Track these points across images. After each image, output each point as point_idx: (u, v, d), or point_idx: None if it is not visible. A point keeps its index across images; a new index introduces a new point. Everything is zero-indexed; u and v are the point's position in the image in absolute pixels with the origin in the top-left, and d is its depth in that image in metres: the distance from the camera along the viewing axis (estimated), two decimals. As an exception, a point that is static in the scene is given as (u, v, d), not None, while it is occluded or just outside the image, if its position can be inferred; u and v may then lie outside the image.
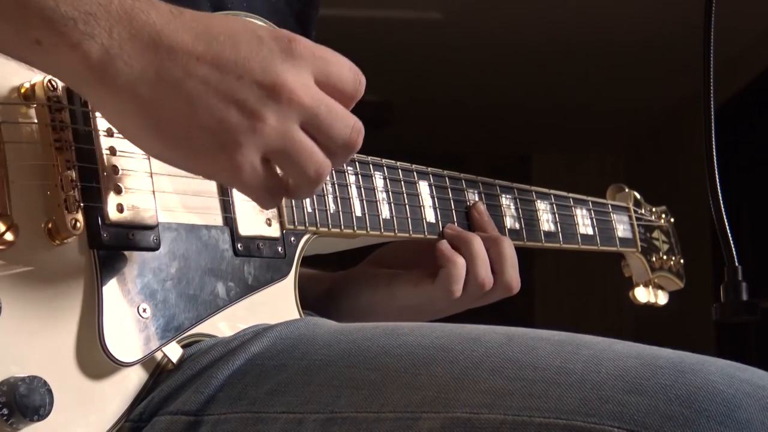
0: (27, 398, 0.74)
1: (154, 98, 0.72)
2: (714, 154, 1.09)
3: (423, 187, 1.11)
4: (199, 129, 0.73)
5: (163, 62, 0.72)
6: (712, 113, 1.09)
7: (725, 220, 1.08)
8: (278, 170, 0.77)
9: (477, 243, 1.10)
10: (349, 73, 0.80)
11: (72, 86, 0.77)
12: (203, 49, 0.74)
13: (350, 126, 0.79)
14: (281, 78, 0.74)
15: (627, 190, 1.45)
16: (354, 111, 0.82)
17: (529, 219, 1.22)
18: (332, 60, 0.79)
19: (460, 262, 1.08)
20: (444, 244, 1.10)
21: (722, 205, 1.08)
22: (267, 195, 0.77)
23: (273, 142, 0.74)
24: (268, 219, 0.95)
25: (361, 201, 1.03)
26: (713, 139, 1.09)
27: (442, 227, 1.12)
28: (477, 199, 1.17)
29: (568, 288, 5.94)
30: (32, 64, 0.75)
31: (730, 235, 1.08)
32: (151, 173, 0.85)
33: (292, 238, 0.97)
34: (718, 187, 1.08)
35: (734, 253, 1.08)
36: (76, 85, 0.75)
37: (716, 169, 1.09)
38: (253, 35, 0.76)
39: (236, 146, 0.73)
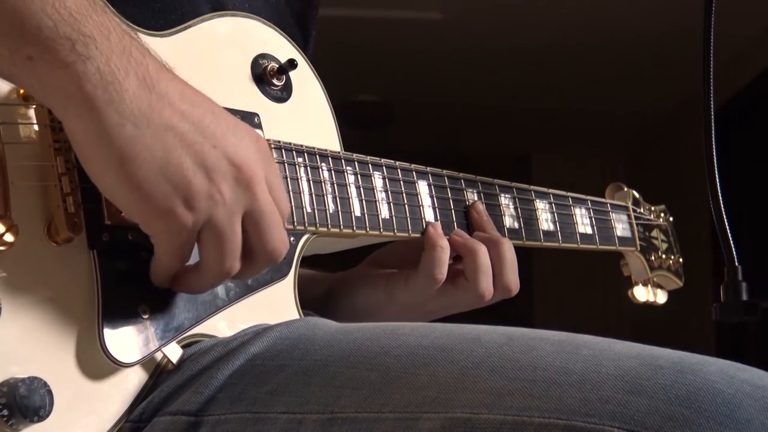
0: (27, 399, 0.74)
1: (137, 137, 0.74)
2: (714, 154, 1.09)
3: (422, 187, 1.11)
4: (165, 180, 0.75)
5: (152, 106, 0.74)
6: (712, 113, 1.09)
7: (725, 220, 1.08)
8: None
9: (482, 254, 1.09)
10: (286, 196, 0.85)
11: (54, 106, 0.76)
12: (188, 108, 0.77)
13: (282, 238, 0.83)
14: (248, 163, 0.78)
15: (626, 189, 1.45)
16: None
17: (528, 218, 1.22)
18: (279, 176, 0.84)
19: (443, 244, 1.07)
20: (434, 227, 1.10)
21: (722, 205, 1.08)
22: (176, 265, 0.81)
23: (218, 218, 0.78)
24: (269, 219, 0.94)
25: (361, 201, 1.03)
26: (713, 139, 1.09)
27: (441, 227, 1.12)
28: (476, 198, 1.17)
29: (567, 288, 5.94)
30: (19, 80, 0.76)
31: (730, 235, 1.08)
32: (151, 174, 0.85)
33: (292, 239, 0.97)
34: (718, 187, 1.08)
35: (734, 253, 1.08)
36: (60, 105, 0.74)
37: (716, 169, 1.09)
38: (230, 117, 0.80)
39: (190, 208, 0.76)
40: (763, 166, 4.17)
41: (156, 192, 0.75)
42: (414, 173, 1.11)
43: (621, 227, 1.37)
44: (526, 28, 4.34)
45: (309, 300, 1.09)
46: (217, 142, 0.77)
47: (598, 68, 4.71)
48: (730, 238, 1.08)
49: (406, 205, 1.08)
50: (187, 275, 0.83)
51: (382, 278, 1.14)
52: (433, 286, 1.07)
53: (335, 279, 1.19)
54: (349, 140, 1.07)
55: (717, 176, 1.09)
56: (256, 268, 0.84)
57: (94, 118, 0.73)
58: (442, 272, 1.07)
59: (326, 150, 1.01)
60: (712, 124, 1.09)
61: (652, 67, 4.63)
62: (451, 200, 1.14)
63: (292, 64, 1.01)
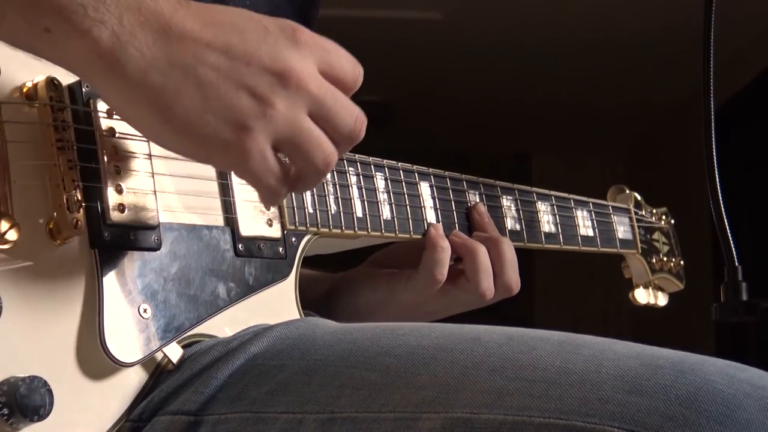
0: (27, 398, 0.74)
1: (166, 85, 0.72)
2: (714, 154, 1.09)
3: (424, 188, 1.11)
4: (211, 115, 0.73)
5: (173, 49, 0.72)
6: (712, 113, 1.09)
7: (725, 220, 1.08)
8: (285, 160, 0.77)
9: (482, 254, 1.09)
10: (348, 64, 0.80)
11: (80, 75, 0.77)
12: (212, 36, 0.74)
13: (354, 116, 0.79)
14: (289, 65, 0.75)
15: (628, 191, 1.45)
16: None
17: (530, 220, 1.22)
18: (333, 50, 0.80)
19: (443, 244, 1.08)
20: (435, 228, 1.10)
21: (722, 205, 1.08)
22: (274, 185, 0.77)
23: (283, 129, 0.75)
24: (269, 220, 0.95)
25: (362, 201, 1.03)
26: (713, 139, 1.09)
27: (443, 228, 1.12)
28: (478, 200, 1.17)
29: (568, 288, 5.94)
30: (40, 53, 0.75)
31: (730, 235, 1.08)
32: (153, 174, 0.85)
33: (293, 239, 0.97)
34: (718, 187, 1.08)
35: (734, 253, 1.08)
36: (85, 73, 0.74)
37: (716, 169, 1.09)
38: (258, 24, 0.77)
39: (247, 132, 0.73)
40: (763, 166, 4.16)
41: (205, 130, 0.73)
42: (416, 174, 1.11)
43: (622, 230, 1.38)
44: (526, 28, 4.34)
45: (310, 300, 1.09)
46: (250, 59, 0.75)
47: (598, 68, 4.71)
48: (730, 238, 1.08)
49: (408, 206, 1.08)
50: (296, 183, 0.80)
51: (383, 278, 1.14)
52: (434, 287, 1.07)
53: (336, 279, 1.19)
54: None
55: (717, 176, 1.09)
56: (344, 149, 0.81)
57: (119, 81, 0.72)
58: (443, 272, 1.07)
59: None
60: (712, 124, 1.09)
61: (652, 67, 4.63)
62: (452, 201, 1.14)
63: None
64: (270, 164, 0.75)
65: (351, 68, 0.80)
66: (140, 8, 0.73)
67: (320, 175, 0.79)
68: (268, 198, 0.79)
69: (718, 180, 1.09)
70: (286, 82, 0.75)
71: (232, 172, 0.77)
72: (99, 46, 0.71)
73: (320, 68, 0.77)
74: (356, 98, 0.83)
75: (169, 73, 0.72)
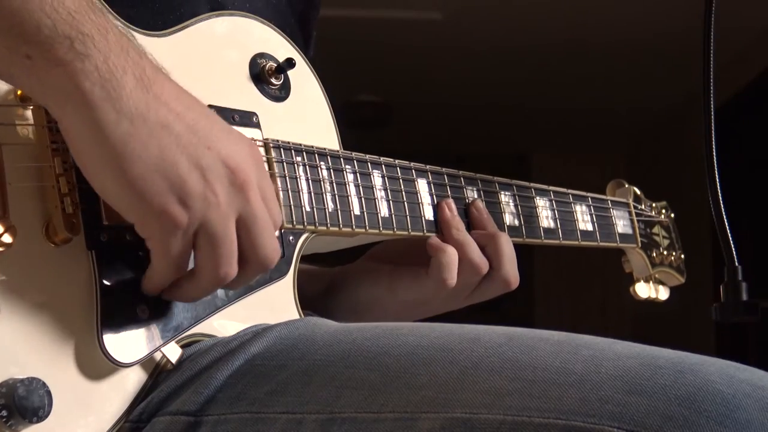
0: (26, 400, 0.74)
1: (133, 134, 0.74)
2: (714, 154, 1.09)
3: (422, 185, 1.11)
4: (161, 178, 0.75)
5: (149, 104, 0.75)
6: (712, 113, 1.09)
7: (725, 220, 1.08)
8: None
9: (461, 230, 1.10)
10: (277, 206, 0.84)
11: (51, 104, 0.76)
12: (183, 110, 0.77)
13: (274, 245, 0.83)
14: (242, 167, 0.79)
15: (627, 185, 1.45)
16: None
17: (529, 216, 1.22)
18: (271, 186, 0.84)
19: (450, 250, 1.08)
20: (434, 238, 1.10)
21: (722, 205, 1.08)
22: (172, 270, 0.80)
23: (213, 220, 0.77)
24: (268, 219, 0.94)
25: (360, 199, 1.03)
26: (713, 139, 1.09)
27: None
28: (476, 196, 1.17)
29: (567, 286, 5.95)
30: (17, 80, 0.76)
31: (730, 235, 1.08)
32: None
33: (291, 237, 0.97)
34: (718, 187, 1.08)
35: (734, 253, 1.08)
36: (57, 103, 0.75)
37: (716, 169, 1.09)
38: (225, 123, 0.81)
39: (185, 208, 0.76)
40: (763, 166, 4.17)
41: (151, 190, 0.75)
42: (413, 171, 1.11)
43: (622, 224, 1.37)
44: (526, 28, 4.34)
45: (309, 296, 1.09)
46: (212, 144, 0.77)
47: (598, 68, 4.71)
48: (730, 238, 1.08)
49: (406, 204, 1.08)
50: (182, 282, 0.82)
51: (384, 274, 1.14)
52: (444, 288, 1.08)
53: (335, 274, 1.19)
54: (348, 140, 1.07)
55: (717, 176, 1.08)
56: (248, 276, 0.84)
57: (90, 115, 0.73)
58: (454, 277, 1.07)
59: (325, 149, 1.01)
60: (712, 124, 1.09)
61: (653, 67, 4.64)
62: (450, 198, 1.14)
63: (290, 63, 1.01)
64: (184, 247, 0.78)
65: (278, 210, 0.84)
66: (126, 55, 0.75)
67: (210, 285, 0.81)
68: (156, 277, 0.81)
69: (718, 180, 1.08)
70: (234, 179, 0.78)
71: (146, 239, 0.78)
72: (79, 77, 0.72)
73: (260, 189, 0.81)
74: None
75: (139, 125, 0.74)
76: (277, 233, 0.94)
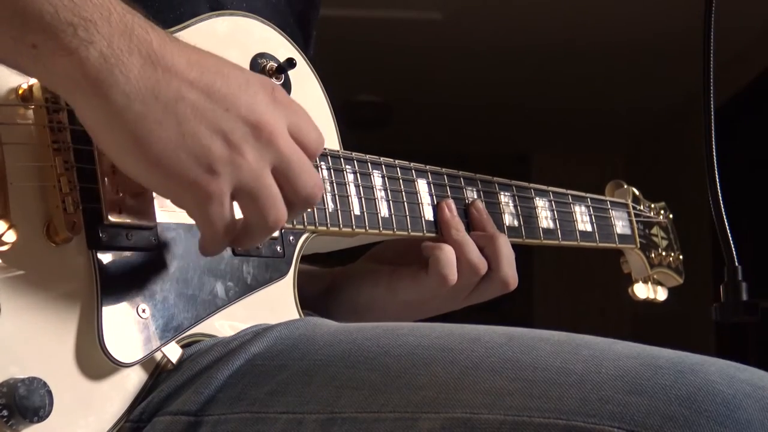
0: (27, 399, 0.74)
1: (146, 115, 0.73)
2: (714, 154, 1.09)
3: (421, 185, 1.11)
4: (184, 152, 0.74)
5: (158, 80, 0.73)
6: (712, 113, 1.09)
7: (725, 220, 1.08)
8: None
9: (460, 231, 1.10)
10: (314, 132, 0.83)
11: (62, 93, 0.76)
12: (196, 75, 0.75)
13: (314, 181, 0.81)
14: (264, 119, 0.77)
15: (626, 186, 1.45)
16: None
17: (528, 216, 1.22)
18: (303, 116, 0.82)
19: (447, 247, 1.08)
20: (426, 242, 1.10)
21: (722, 205, 1.08)
22: (221, 233, 0.79)
23: (247, 180, 0.76)
24: (268, 219, 0.94)
25: (360, 199, 1.03)
26: (713, 139, 1.09)
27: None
28: (475, 196, 1.17)
29: (567, 288, 5.94)
30: (25, 69, 0.75)
31: (730, 235, 1.08)
32: (150, 173, 0.85)
33: (291, 238, 0.97)
34: (718, 187, 1.08)
35: (734, 253, 1.08)
36: (68, 91, 0.74)
37: (716, 169, 1.09)
38: (240, 75, 0.79)
39: (215, 176, 0.75)
40: (763, 166, 4.17)
41: (176, 166, 0.74)
42: (413, 172, 1.11)
43: (621, 225, 1.38)
44: (526, 28, 4.34)
45: (309, 296, 1.09)
46: (229, 105, 0.76)
47: (598, 68, 4.71)
48: (730, 238, 1.08)
49: (406, 204, 1.08)
50: (239, 237, 0.81)
51: (384, 274, 1.14)
52: (444, 286, 1.08)
53: (335, 274, 1.19)
54: (348, 140, 1.07)
55: (717, 176, 1.08)
56: (297, 214, 0.84)
57: (101, 102, 0.72)
58: (454, 273, 1.07)
59: (325, 149, 1.01)
60: (712, 124, 1.09)
61: (653, 67, 4.63)
62: (450, 199, 1.14)
63: (290, 63, 1.01)
64: (225, 212, 0.77)
65: (316, 136, 0.82)
66: (131, 35, 0.74)
67: (266, 233, 0.81)
68: (210, 244, 0.80)
69: (718, 180, 1.08)
70: (258, 134, 0.77)
71: (186, 211, 0.78)
72: (85, 65, 0.71)
73: (290, 129, 0.79)
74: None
75: (151, 104, 0.73)
76: (276, 234, 0.94)
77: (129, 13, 0.75)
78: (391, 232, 1.06)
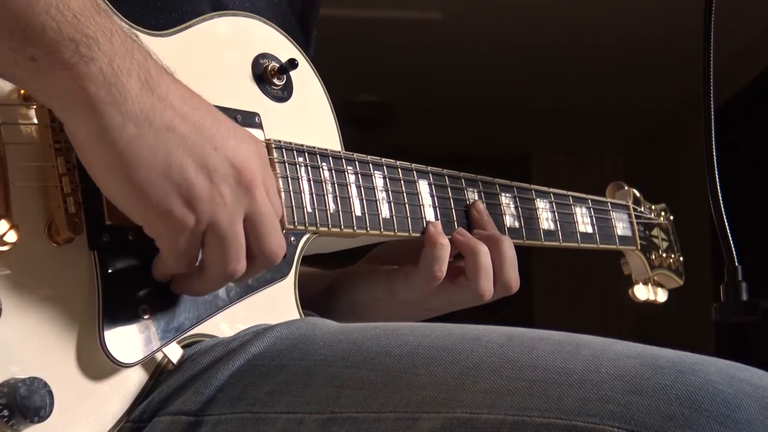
0: (27, 399, 0.74)
1: (139, 138, 0.74)
2: (714, 154, 1.09)
3: (423, 186, 1.11)
4: (168, 181, 0.75)
5: (154, 107, 0.75)
6: (712, 113, 1.09)
7: (725, 220, 1.08)
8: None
9: (483, 254, 1.09)
10: (280, 201, 0.86)
11: (56, 108, 0.76)
12: (188, 110, 0.77)
13: (279, 242, 0.83)
14: (248, 165, 0.79)
15: (626, 188, 1.45)
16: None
17: (529, 217, 1.22)
18: (277, 187, 0.86)
19: (443, 242, 1.07)
20: (434, 225, 1.09)
21: (722, 205, 1.08)
22: (181, 267, 0.81)
23: (220, 221, 0.78)
24: (269, 219, 0.94)
25: (361, 200, 1.03)
26: (713, 139, 1.09)
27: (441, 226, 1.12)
28: (476, 197, 1.17)
29: (567, 288, 5.95)
30: (21, 81, 0.76)
31: (730, 235, 1.08)
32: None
33: (292, 238, 0.97)
34: (718, 187, 1.08)
35: (734, 253, 1.08)
36: (62, 107, 0.75)
37: (716, 169, 1.09)
38: (230, 122, 0.81)
39: (192, 211, 0.76)
40: (763, 166, 4.17)
41: (158, 193, 0.75)
42: (414, 173, 1.11)
43: (621, 226, 1.37)
44: (526, 28, 4.34)
45: (309, 297, 1.09)
46: (218, 145, 0.78)
47: (598, 68, 4.71)
48: (730, 238, 1.08)
49: (407, 205, 1.08)
50: (191, 277, 0.83)
51: (382, 275, 1.14)
52: (433, 283, 1.07)
53: (335, 276, 1.19)
54: (349, 140, 1.07)
55: (717, 176, 1.08)
56: (255, 271, 0.84)
57: (96, 118, 0.73)
58: (442, 269, 1.07)
59: (327, 149, 1.01)
60: (712, 124, 1.09)
61: (652, 67, 4.64)
62: (451, 200, 1.14)
63: (292, 63, 1.01)
64: (192, 248, 0.79)
65: (281, 208, 0.86)
66: (131, 58, 0.75)
67: (218, 280, 0.83)
68: (163, 271, 0.82)
69: (718, 180, 1.08)
70: (240, 178, 0.78)
71: (154, 238, 0.79)
72: (85, 81, 0.72)
73: (265, 187, 0.81)
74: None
75: (145, 128, 0.74)
76: (288, 225, 0.95)
77: (129, 38, 0.76)
78: (392, 233, 1.06)
